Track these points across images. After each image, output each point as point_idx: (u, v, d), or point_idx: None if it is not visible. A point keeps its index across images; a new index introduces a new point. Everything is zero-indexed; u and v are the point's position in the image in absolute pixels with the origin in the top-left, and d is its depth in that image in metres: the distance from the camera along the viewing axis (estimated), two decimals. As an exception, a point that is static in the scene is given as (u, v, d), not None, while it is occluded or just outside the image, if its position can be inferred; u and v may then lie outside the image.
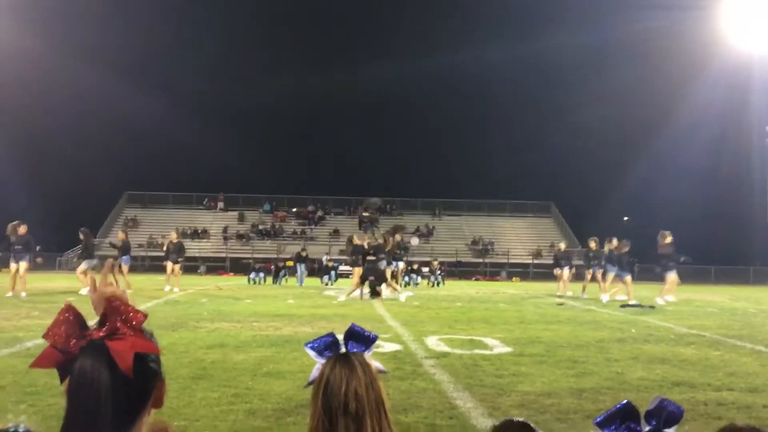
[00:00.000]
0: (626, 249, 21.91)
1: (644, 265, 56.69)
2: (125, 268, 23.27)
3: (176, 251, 24.85)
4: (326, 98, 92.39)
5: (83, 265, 21.17)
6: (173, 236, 25.98)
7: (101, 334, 1.53)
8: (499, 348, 9.80)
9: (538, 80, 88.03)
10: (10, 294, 18.17)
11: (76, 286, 20.96)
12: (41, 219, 45.52)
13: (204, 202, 67.02)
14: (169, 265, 24.69)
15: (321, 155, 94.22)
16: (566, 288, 25.82)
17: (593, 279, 24.84)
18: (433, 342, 10.30)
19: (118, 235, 24.22)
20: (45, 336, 1.52)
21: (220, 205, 66.55)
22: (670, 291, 20.78)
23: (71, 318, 1.53)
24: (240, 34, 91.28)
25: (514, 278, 53.60)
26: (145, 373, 1.58)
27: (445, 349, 9.60)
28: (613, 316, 16.08)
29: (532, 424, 2.08)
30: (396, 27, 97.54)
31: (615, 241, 22.57)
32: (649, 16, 64.82)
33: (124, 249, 23.78)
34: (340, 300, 19.76)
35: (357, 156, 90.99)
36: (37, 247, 21.68)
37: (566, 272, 26.48)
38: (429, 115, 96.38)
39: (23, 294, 18.32)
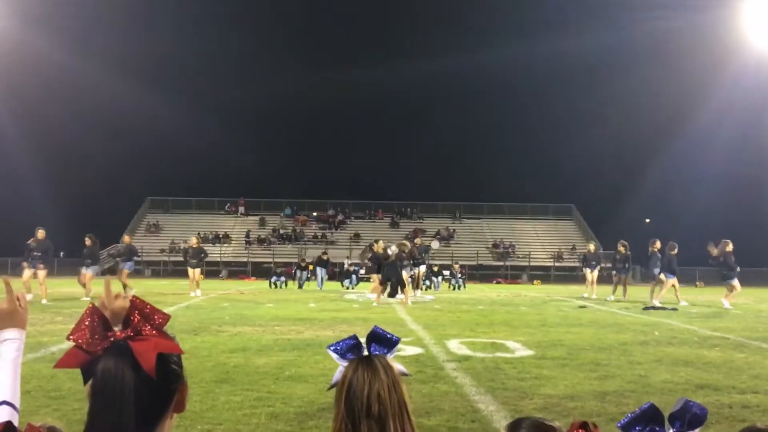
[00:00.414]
0: (675, 251, 21.76)
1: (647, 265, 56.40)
2: (125, 272, 22.78)
3: (195, 256, 24.93)
4: (347, 103, 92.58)
5: (89, 272, 21.02)
6: (193, 242, 26.05)
7: (125, 334, 1.54)
8: (521, 351, 9.78)
9: (559, 82, 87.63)
10: (30, 297, 17.97)
11: (96, 291, 21.05)
12: (66, 224, 45.92)
13: (225, 207, 67.24)
14: (190, 270, 24.80)
15: (341, 159, 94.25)
16: (594, 289, 25.60)
17: (619, 282, 24.79)
18: (455, 345, 10.29)
19: (123, 239, 24.06)
20: (70, 336, 1.53)
21: (241, 209, 66.69)
22: (734, 296, 20.50)
23: (96, 319, 1.55)
24: (261, 43, 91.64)
25: (535, 281, 53.37)
26: (167, 375, 1.59)
27: (467, 352, 9.59)
28: (635, 318, 16.00)
29: (546, 421, 2.06)
30: (420, 28, 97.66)
31: (658, 243, 22.62)
32: (670, 16, 64.47)
33: (129, 253, 23.64)
34: (374, 305, 19.57)
35: (378, 160, 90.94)
36: (61, 254, 21.71)
37: (595, 274, 26.33)
38: (450, 118, 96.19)
39: (44, 301, 18.26)
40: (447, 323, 14.11)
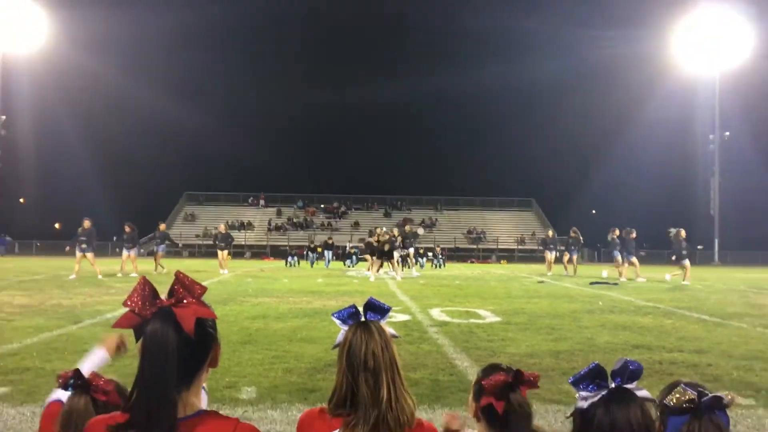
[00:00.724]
0: (633, 235, 21.75)
1: (609, 250, 56.54)
2: (160, 254, 22.91)
3: (223, 240, 24.77)
4: (348, 112, 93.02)
5: (132, 253, 20.83)
6: (221, 228, 25.85)
7: (169, 302, 1.57)
8: (490, 318, 9.79)
9: (522, 99, 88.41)
10: (73, 276, 17.80)
11: (143, 269, 20.98)
12: (116, 215, 45.73)
13: (249, 200, 67.15)
14: (219, 252, 24.67)
15: (344, 161, 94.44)
16: (551, 268, 25.57)
17: (570, 261, 24.86)
18: (437, 313, 10.30)
19: (159, 227, 23.83)
20: (125, 303, 1.56)
21: (262, 202, 66.60)
22: (686, 274, 20.15)
23: (146, 289, 1.57)
24: (278, 65, 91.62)
25: (502, 261, 53.34)
26: (204, 335, 1.61)
27: (446, 319, 9.60)
28: (584, 291, 16.01)
29: (503, 365, 2.12)
30: (406, 52, 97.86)
31: (617, 230, 22.63)
32: (611, 45, 65.13)
33: (163, 238, 23.47)
34: (371, 280, 19.53)
35: (374, 161, 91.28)
36: (114, 238, 21.51)
37: (552, 255, 26.17)
38: (432, 128, 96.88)
39: (100, 276, 18.22)
40: (430, 295, 14.11)
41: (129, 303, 1.56)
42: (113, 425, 1.53)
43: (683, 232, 20.80)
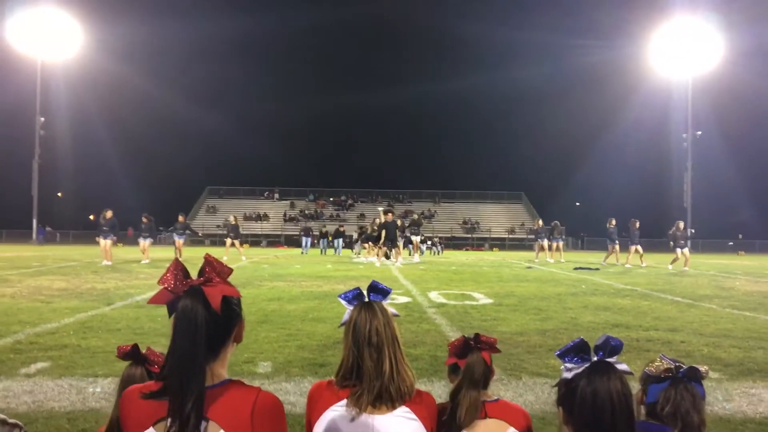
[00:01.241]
0: (637, 225, 21.79)
1: (591, 238, 56.51)
2: (179, 242, 22.32)
3: (233, 230, 24.40)
4: (355, 114, 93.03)
5: (147, 242, 20.57)
6: (231, 219, 25.29)
7: (199, 281, 1.60)
8: (484, 300, 9.80)
9: (512, 101, 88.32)
10: (106, 262, 17.78)
11: (164, 256, 20.95)
12: (145, 207, 45.84)
13: (265, 194, 67.21)
14: (228, 241, 24.22)
15: (351, 158, 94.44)
16: (543, 255, 25.47)
17: (557, 249, 24.90)
18: (435, 296, 10.31)
19: (179, 218, 23.09)
20: (159, 281, 1.59)
21: (276, 196, 66.67)
22: (687, 263, 19.81)
23: (178, 269, 1.60)
24: (291, 72, 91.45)
25: (494, 249, 53.33)
26: (229, 312, 1.63)
27: (443, 300, 9.60)
28: (568, 275, 16.00)
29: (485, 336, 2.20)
30: (407, 60, 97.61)
31: (613, 221, 22.78)
32: (593, 52, 65.12)
33: (183, 229, 22.91)
34: (377, 266, 19.27)
35: (378, 158, 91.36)
36: (141, 224, 21.17)
37: (545, 243, 25.57)
38: (432, 128, 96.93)
39: (105, 262, 17.93)
40: (429, 279, 14.11)
41: (163, 281, 1.59)
42: (146, 393, 1.55)
43: (681, 224, 20.60)
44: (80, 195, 71.71)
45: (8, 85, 53.51)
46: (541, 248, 25.25)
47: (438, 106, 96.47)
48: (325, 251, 34.74)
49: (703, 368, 1.90)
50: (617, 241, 22.59)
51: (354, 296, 2.10)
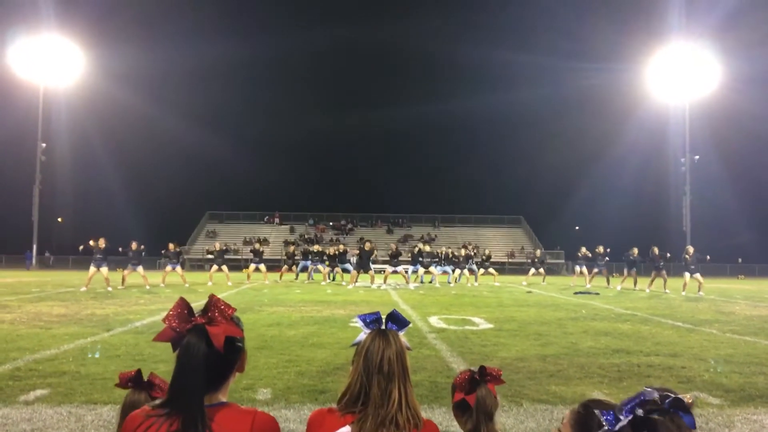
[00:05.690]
0: (656, 251, 22.03)
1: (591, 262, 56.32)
2: (168, 269, 21.56)
3: (219, 256, 24.09)
4: (354, 138, 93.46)
5: (139, 269, 20.19)
6: (216, 246, 24.89)
7: (203, 320, 1.65)
8: (484, 325, 9.77)
9: (511, 125, 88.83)
10: (84, 289, 17.67)
11: (132, 282, 20.85)
12: (144, 232, 45.84)
13: (265, 218, 67.23)
14: (214, 267, 23.95)
15: (350, 182, 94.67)
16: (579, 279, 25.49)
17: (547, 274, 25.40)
18: (435, 320, 10.28)
19: (169, 246, 22.18)
20: (164, 320, 1.64)
21: (276, 220, 66.66)
22: (701, 287, 19.85)
23: (183, 307, 1.66)
24: (290, 95, 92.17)
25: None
26: (232, 350, 1.70)
27: (443, 325, 9.58)
28: (569, 300, 15.97)
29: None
30: (406, 83, 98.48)
31: (636, 250, 23.61)
32: (592, 76, 65.67)
33: (173, 257, 21.93)
34: (372, 288, 19.38)
35: (378, 182, 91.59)
36: (142, 253, 20.95)
37: (542, 270, 26.84)
38: (432, 151, 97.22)
39: (109, 288, 17.92)
40: (429, 304, 14.07)
41: (168, 320, 1.64)
42: (153, 406, 1.63)
43: (691, 249, 20.93)
44: (80, 220, 71.71)
45: (11, 111, 53.76)
46: (581, 273, 25.19)
47: (437, 129, 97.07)
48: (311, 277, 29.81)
49: (686, 398, 1.85)
50: (635, 269, 23.14)
51: (372, 320, 2.11)
